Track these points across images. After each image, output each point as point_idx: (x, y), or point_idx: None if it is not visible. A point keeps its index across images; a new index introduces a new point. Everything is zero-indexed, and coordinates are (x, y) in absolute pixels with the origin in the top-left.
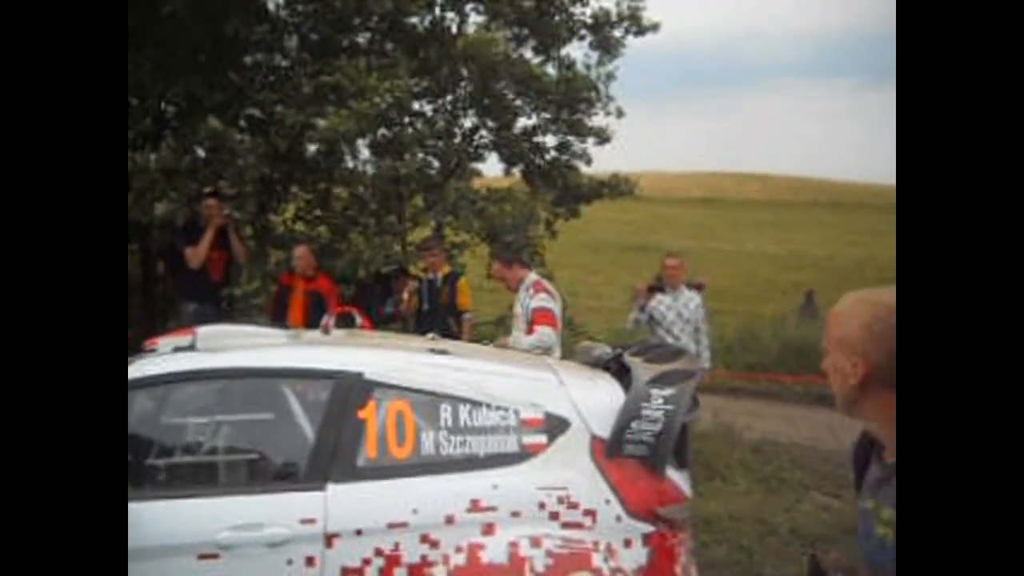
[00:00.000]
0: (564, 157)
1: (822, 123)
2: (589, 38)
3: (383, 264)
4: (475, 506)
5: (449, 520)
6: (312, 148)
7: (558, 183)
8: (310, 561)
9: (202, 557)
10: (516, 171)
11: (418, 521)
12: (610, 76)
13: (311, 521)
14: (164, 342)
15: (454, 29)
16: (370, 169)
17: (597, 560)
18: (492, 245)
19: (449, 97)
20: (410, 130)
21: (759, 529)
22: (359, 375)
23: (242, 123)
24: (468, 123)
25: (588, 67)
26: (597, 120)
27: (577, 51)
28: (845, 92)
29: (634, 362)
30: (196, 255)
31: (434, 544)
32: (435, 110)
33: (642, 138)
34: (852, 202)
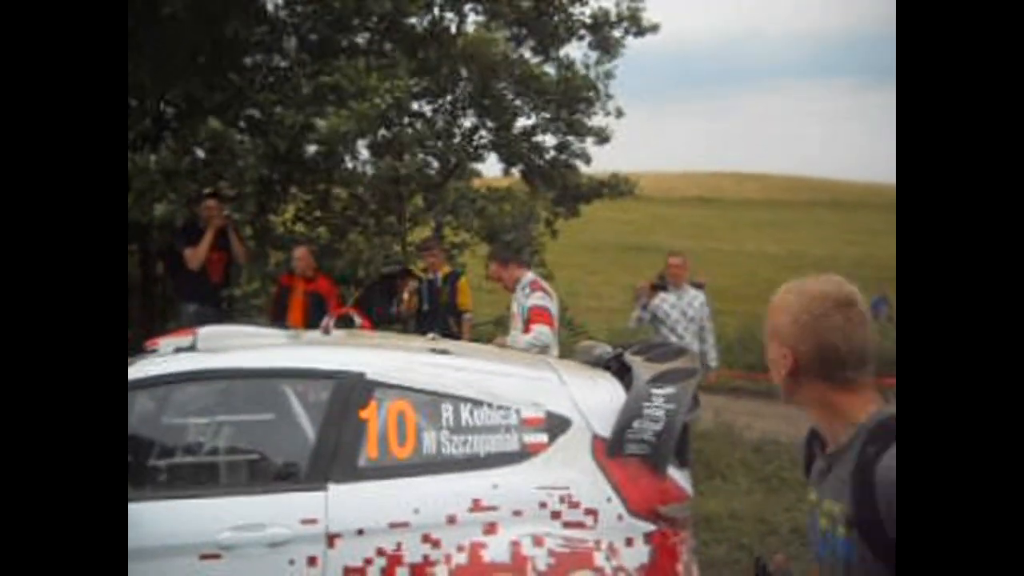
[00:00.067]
0: (563, 157)
1: (822, 123)
2: (588, 38)
3: (383, 264)
4: (477, 505)
5: (451, 520)
6: (312, 149)
7: (557, 183)
8: (312, 561)
9: (204, 557)
10: (515, 171)
11: (420, 521)
12: (608, 75)
13: (313, 521)
14: (165, 343)
15: (453, 29)
16: (369, 170)
17: (599, 559)
18: (492, 245)
19: (448, 97)
20: (409, 130)
21: (760, 528)
22: (360, 375)
23: (241, 124)
24: (467, 123)
25: (587, 66)
26: (596, 120)
27: (576, 51)
28: (845, 92)
29: (635, 361)
30: (196, 256)
31: (436, 544)
32: (434, 110)
33: (642, 138)
34: (851, 201)
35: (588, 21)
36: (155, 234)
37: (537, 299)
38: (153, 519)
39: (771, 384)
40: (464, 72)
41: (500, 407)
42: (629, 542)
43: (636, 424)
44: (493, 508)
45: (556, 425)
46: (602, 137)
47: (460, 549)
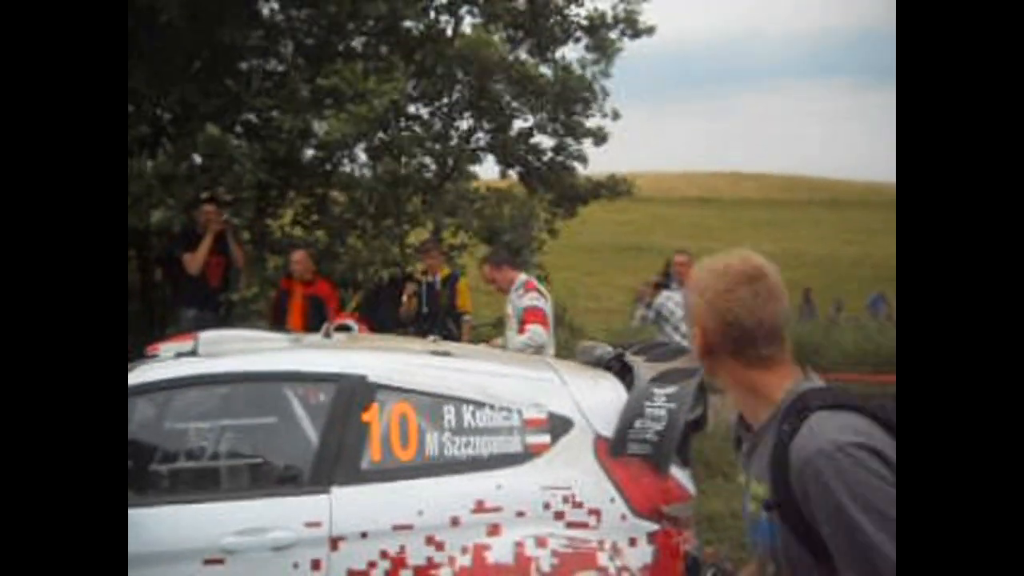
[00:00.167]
0: (560, 158)
1: (821, 123)
2: (585, 40)
3: (381, 266)
4: (480, 507)
5: (454, 521)
6: (309, 153)
7: (555, 185)
8: (316, 564)
9: (207, 562)
10: (513, 173)
11: (423, 523)
12: (604, 73)
13: (316, 524)
14: (166, 348)
15: (449, 32)
16: (367, 173)
17: (603, 559)
18: (492, 245)
19: (445, 100)
20: (407, 133)
21: None
22: (362, 378)
23: (238, 129)
24: (464, 125)
25: (584, 66)
26: (594, 121)
27: (572, 53)
28: (844, 92)
29: (636, 361)
30: (195, 261)
31: (440, 546)
32: (431, 113)
33: (641, 139)
34: (848, 200)
35: (584, 23)
36: (153, 240)
37: (531, 300)
38: (156, 524)
39: None
40: (460, 74)
41: (502, 408)
42: (632, 542)
43: (638, 424)
44: (496, 509)
45: (558, 426)
46: (599, 136)
47: (464, 551)
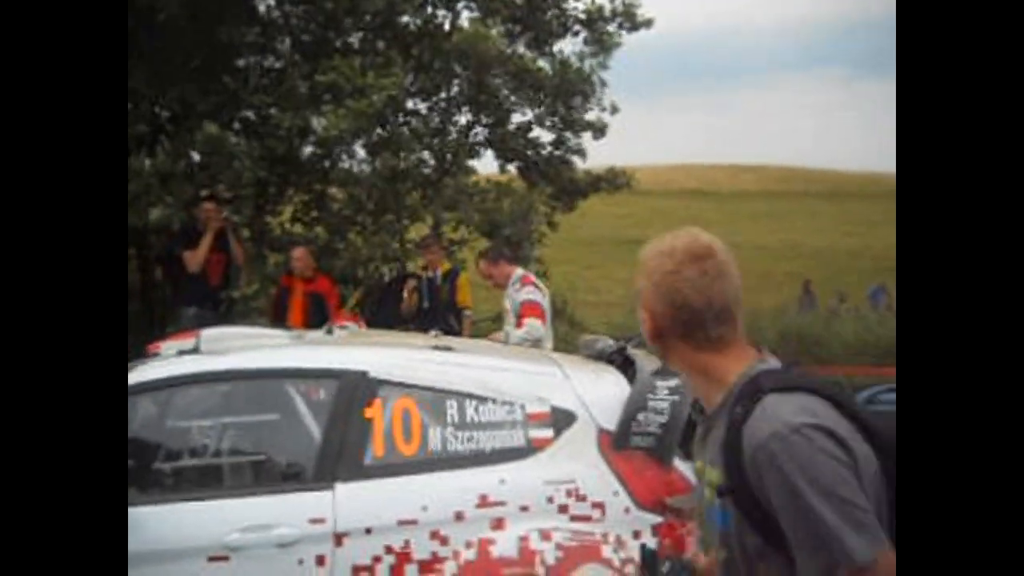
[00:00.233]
0: (559, 152)
1: (817, 115)
2: (583, 34)
3: (381, 262)
4: (484, 501)
5: (458, 516)
6: (308, 150)
7: (554, 179)
8: (320, 560)
9: (212, 559)
10: (512, 167)
11: (427, 518)
12: (602, 66)
13: (320, 521)
14: (167, 346)
15: (446, 26)
16: (366, 169)
17: (607, 552)
18: (492, 239)
19: (443, 94)
20: (405, 129)
21: None
22: (364, 373)
23: (236, 126)
24: (463, 120)
25: (582, 59)
26: (592, 115)
27: (570, 46)
28: (840, 83)
29: (638, 354)
30: (195, 258)
31: (444, 540)
32: (430, 108)
33: (640, 132)
34: (846, 191)
35: (582, 16)
36: (152, 238)
37: (528, 294)
38: (160, 523)
39: None
40: (458, 69)
41: (505, 403)
42: (636, 534)
43: (641, 416)
44: (500, 504)
45: (561, 419)
46: (598, 130)
47: (468, 545)
